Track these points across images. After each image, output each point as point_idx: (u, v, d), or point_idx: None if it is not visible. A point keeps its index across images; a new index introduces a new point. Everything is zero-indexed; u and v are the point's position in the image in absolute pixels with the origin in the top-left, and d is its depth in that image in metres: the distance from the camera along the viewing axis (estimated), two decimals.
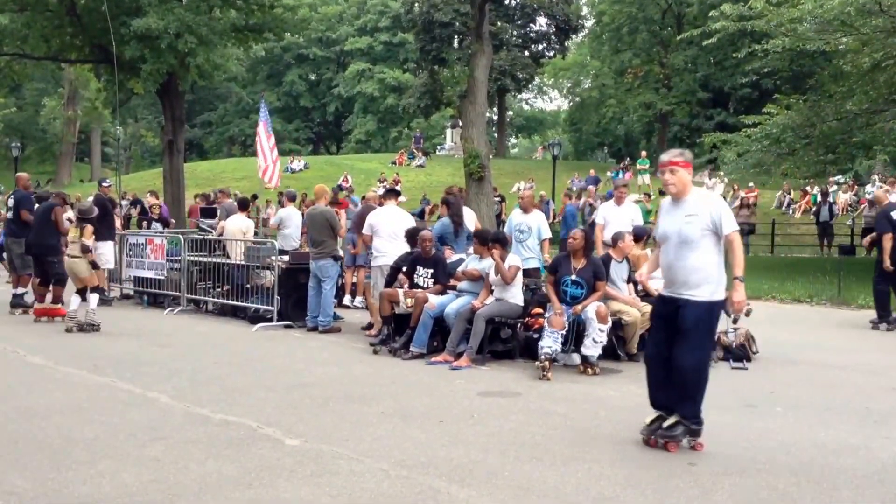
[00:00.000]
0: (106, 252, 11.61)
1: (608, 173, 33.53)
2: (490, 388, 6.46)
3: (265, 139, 17.44)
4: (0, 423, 5.25)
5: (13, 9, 21.80)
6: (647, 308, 7.58)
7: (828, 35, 14.86)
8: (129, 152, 61.18)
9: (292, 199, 11.66)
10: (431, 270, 8.30)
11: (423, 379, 6.79)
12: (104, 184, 13.08)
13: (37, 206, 10.76)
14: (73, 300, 9.37)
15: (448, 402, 5.96)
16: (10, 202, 11.38)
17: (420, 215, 21.49)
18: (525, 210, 9.66)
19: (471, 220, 9.56)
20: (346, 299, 11.80)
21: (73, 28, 22.69)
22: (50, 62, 26.88)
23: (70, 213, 10.80)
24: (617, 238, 7.96)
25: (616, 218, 9.75)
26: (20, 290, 10.93)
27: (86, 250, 9.39)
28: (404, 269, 8.58)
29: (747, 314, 8.04)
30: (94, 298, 9.40)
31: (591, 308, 7.08)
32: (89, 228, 9.51)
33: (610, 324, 7.18)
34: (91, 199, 11.98)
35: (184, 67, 22.20)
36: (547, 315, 7.15)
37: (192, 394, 6.10)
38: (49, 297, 10.34)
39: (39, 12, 22.10)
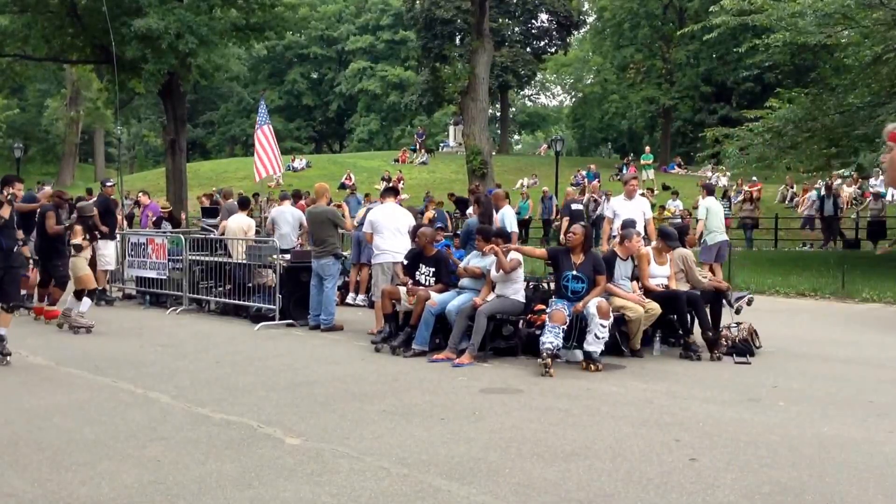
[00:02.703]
0: (108, 253, 11.62)
1: (616, 169, 33.47)
2: (492, 385, 6.44)
3: (266, 139, 17.16)
4: (0, 423, 5.26)
5: (14, 10, 21.84)
6: (651, 304, 7.57)
7: (829, 28, 14.81)
8: (132, 152, 61.29)
9: (284, 199, 11.65)
10: (433, 269, 8.28)
11: (425, 376, 6.78)
12: (108, 184, 13.07)
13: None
14: (69, 300, 9.39)
15: (450, 399, 5.95)
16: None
17: (422, 213, 21.46)
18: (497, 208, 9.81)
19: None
20: (350, 297, 11.80)
21: (74, 29, 22.73)
22: (51, 63, 26.93)
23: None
24: (626, 237, 7.90)
25: (627, 212, 9.74)
26: (21, 292, 10.93)
27: (78, 249, 9.39)
28: (404, 263, 8.57)
29: (749, 303, 8.04)
30: (86, 302, 9.36)
31: (593, 304, 7.05)
32: (78, 229, 9.52)
33: (612, 319, 7.15)
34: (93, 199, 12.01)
35: (185, 68, 22.22)
36: (548, 310, 7.13)
37: (193, 394, 6.10)
38: (48, 297, 10.36)
39: (40, 13, 22.15)
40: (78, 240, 9.44)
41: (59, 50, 23.89)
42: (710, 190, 13.14)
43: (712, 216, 12.10)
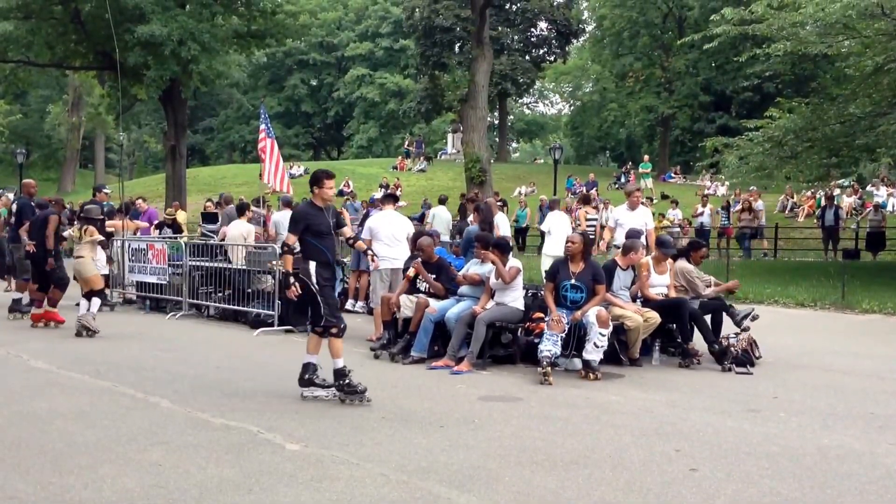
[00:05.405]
0: (102, 257, 11.64)
1: (614, 176, 33.50)
2: (491, 393, 6.45)
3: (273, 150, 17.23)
4: (2, 427, 5.26)
5: (18, 16, 21.92)
6: (650, 313, 7.58)
7: (830, 38, 14.83)
8: (132, 158, 61.30)
9: (287, 203, 11.67)
10: (434, 276, 8.28)
11: (424, 383, 6.78)
12: (104, 190, 13.10)
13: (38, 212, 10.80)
14: (81, 304, 9.41)
15: (449, 406, 5.95)
16: (14, 208, 11.42)
17: (420, 219, 21.46)
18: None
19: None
20: (349, 304, 11.80)
21: (78, 35, 22.82)
22: (54, 69, 27.00)
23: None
24: (630, 248, 7.90)
25: (630, 223, 9.75)
26: (17, 295, 10.98)
27: (105, 246, 9.48)
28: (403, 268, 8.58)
29: (753, 319, 8.02)
30: (95, 303, 9.46)
31: (592, 312, 7.06)
32: (91, 228, 9.60)
33: (611, 328, 7.16)
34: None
35: (186, 74, 22.30)
36: (547, 319, 7.14)
37: (193, 398, 6.10)
38: (45, 303, 10.37)
39: (44, 19, 22.25)
40: (98, 237, 9.53)
41: (63, 56, 23.99)
42: (441, 200, 16.41)
43: (438, 221, 14.90)
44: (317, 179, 6.16)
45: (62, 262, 10.19)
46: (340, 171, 38.04)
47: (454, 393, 6.42)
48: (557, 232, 12.37)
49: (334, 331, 5.95)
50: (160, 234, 14.03)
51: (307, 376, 6.09)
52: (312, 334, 6.13)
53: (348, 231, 6.33)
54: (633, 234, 8.56)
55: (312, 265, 6.02)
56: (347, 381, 5.92)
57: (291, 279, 6.07)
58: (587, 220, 15.10)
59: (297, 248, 6.10)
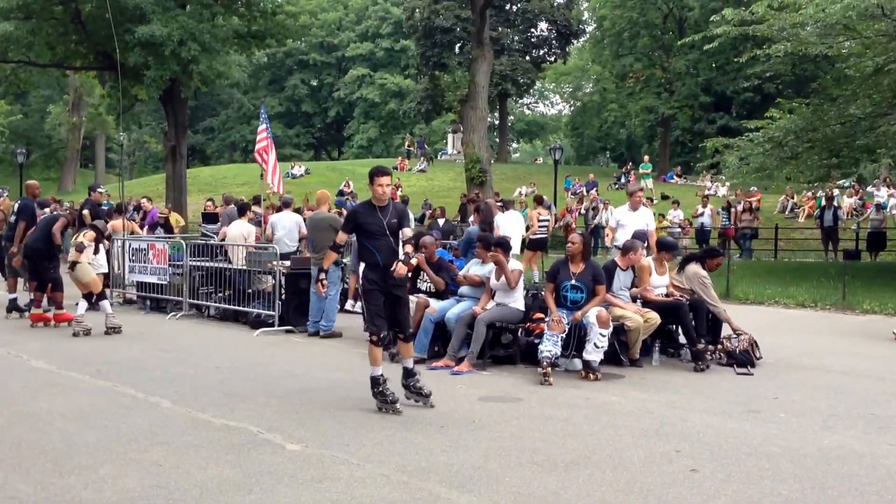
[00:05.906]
0: (100, 256, 11.65)
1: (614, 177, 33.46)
2: (491, 394, 6.45)
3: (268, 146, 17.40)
4: (3, 427, 5.26)
5: (18, 16, 21.94)
6: (650, 314, 7.57)
7: (830, 39, 14.84)
8: (132, 158, 61.32)
9: (286, 204, 11.68)
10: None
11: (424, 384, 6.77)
12: (99, 189, 13.09)
13: (42, 213, 10.81)
14: (80, 305, 9.42)
15: (449, 407, 5.95)
16: (16, 207, 11.41)
17: (420, 220, 21.48)
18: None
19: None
20: (349, 304, 11.80)
21: (78, 35, 22.85)
22: (55, 69, 27.03)
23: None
24: (629, 248, 7.89)
25: (631, 223, 9.73)
26: (13, 295, 11.00)
27: (80, 248, 9.42)
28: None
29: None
30: (105, 305, 9.57)
31: (593, 313, 7.06)
32: (91, 234, 9.61)
33: (611, 329, 7.15)
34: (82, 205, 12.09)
35: (186, 74, 22.32)
36: (547, 319, 7.14)
37: (194, 399, 6.10)
38: (45, 302, 10.39)
39: (45, 20, 22.28)
40: (88, 241, 9.51)
41: (63, 56, 24.01)
42: (404, 201, 17.13)
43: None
44: (369, 177, 5.92)
45: (58, 263, 10.19)
46: (341, 172, 38.07)
47: (454, 393, 6.42)
48: (509, 231, 12.45)
49: (373, 338, 5.80)
50: (155, 233, 14.07)
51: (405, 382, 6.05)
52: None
53: (408, 231, 6.17)
54: (638, 236, 8.55)
55: (361, 266, 5.93)
56: (380, 389, 5.82)
57: (322, 276, 6.16)
58: (539, 220, 14.98)
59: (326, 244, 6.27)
